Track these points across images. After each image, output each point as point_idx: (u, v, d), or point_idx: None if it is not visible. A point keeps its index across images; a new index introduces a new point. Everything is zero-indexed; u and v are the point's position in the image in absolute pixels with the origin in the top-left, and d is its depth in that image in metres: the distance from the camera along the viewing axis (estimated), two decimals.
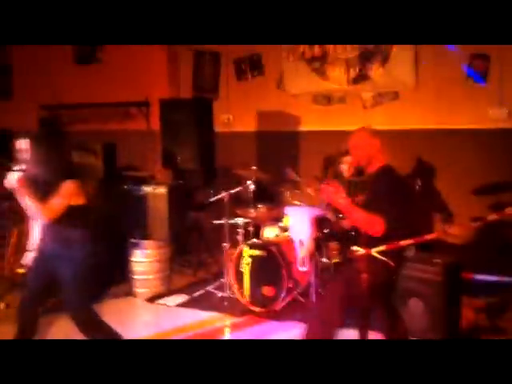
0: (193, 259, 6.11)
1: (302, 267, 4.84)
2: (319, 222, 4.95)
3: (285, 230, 5.11)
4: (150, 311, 5.14)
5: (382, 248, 3.29)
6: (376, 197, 3.31)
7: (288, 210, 5.10)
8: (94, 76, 6.97)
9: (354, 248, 3.29)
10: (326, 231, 4.97)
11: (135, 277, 5.40)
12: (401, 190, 3.40)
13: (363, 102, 6.26)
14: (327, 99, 6.47)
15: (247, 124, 6.82)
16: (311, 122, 6.49)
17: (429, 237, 3.55)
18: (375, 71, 6.16)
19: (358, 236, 3.41)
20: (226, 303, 4.99)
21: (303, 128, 6.56)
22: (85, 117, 7.28)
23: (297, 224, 5.00)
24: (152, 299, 5.28)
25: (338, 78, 6.38)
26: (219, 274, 5.52)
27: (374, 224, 3.16)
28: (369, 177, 3.44)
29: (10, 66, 7.77)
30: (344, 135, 5.54)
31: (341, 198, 3.28)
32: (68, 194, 3.36)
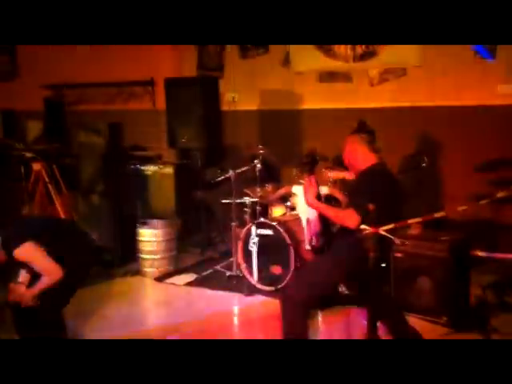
0: (200, 238, 6.13)
1: (309, 246, 4.85)
2: (326, 201, 4.94)
3: (292, 208, 5.11)
4: (159, 290, 5.19)
5: (390, 226, 3.31)
6: (353, 191, 3.52)
7: (295, 188, 5.09)
8: (98, 55, 6.91)
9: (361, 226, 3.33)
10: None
11: (143, 256, 5.44)
12: (380, 186, 3.42)
13: (370, 79, 6.19)
14: (333, 77, 6.40)
15: (252, 102, 6.76)
16: (316, 100, 6.43)
17: (437, 215, 3.56)
18: (382, 48, 6.09)
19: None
20: (234, 282, 5.02)
21: (308, 106, 6.51)
22: (90, 96, 7.24)
23: (304, 203, 4.99)
24: (160, 278, 5.33)
25: (344, 54, 6.29)
26: (227, 253, 5.56)
27: (345, 219, 3.28)
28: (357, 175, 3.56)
29: (14, 46, 7.71)
30: (350, 113, 5.53)
31: (310, 195, 3.48)
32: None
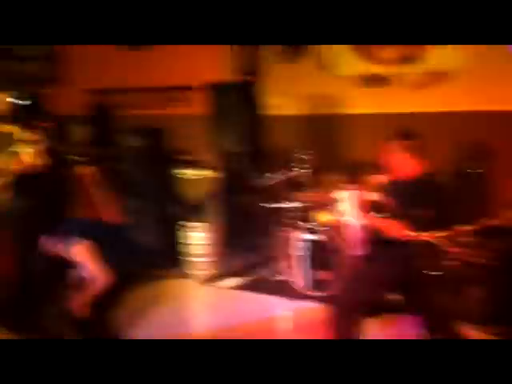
0: (246, 243, 6.19)
1: (358, 251, 4.87)
2: (375, 206, 4.95)
3: (341, 214, 5.12)
4: (206, 293, 5.26)
5: (442, 234, 3.34)
6: (403, 199, 3.47)
7: (341, 194, 5.11)
8: (141, 61, 7.02)
9: (412, 233, 3.35)
10: (381, 215, 4.97)
11: (190, 259, 5.52)
12: (430, 194, 3.43)
13: (411, 83, 6.18)
14: (374, 81, 6.41)
15: (293, 107, 6.79)
16: (357, 104, 6.44)
17: (490, 222, 3.56)
18: (424, 51, 6.07)
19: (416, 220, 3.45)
20: (280, 287, 5.06)
21: (349, 111, 6.51)
22: (135, 101, 7.36)
23: (351, 208, 5.02)
24: (207, 281, 5.40)
25: (385, 58, 6.30)
26: (273, 258, 5.60)
27: (393, 229, 3.35)
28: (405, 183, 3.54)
29: (57, 51, 7.86)
30: (391, 118, 5.51)
31: (358, 205, 3.69)
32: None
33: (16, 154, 4.48)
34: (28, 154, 4.42)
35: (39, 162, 4.46)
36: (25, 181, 4.48)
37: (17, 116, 4.63)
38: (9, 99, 4.58)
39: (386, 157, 3.59)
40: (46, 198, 4.87)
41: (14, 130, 4.63)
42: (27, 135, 4.61)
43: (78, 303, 3.55)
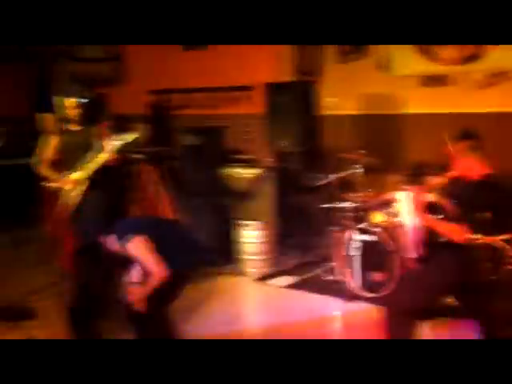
0: (300, 242, 6.20)
1: (413, 253, 4.78)
2: (432, 208, 4.84)
3: (395, 215, 5.05)
4: (260, 291, 5.30)
5: (505, 237, 3.23)
6: (465, 201, 3.36)
7: (399, 194, 5.03)
8: (201, 61, 7.15)
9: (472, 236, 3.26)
10: (439, 217, 4.86)
11: (244, 257, 5.58)
12: (494, 197, 3.31)
13: (476, 82, 6.00)
14: (437, 80, 6.26)
15: (351, 107, 6.73)
16: (419, 104, 6.31)
17: None
18: (485, 50, 5.88)
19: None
20: (334, 287, 5.03)
21: (410, 110, 6.39)
22: (192, 101, 7.50)
23: (408, 209, 4.93)
24: (261, 279, 5.44)
25: (449, 57, 6.14)
26: (327, 258, 5.58)
27: (453, 233, 3.27)
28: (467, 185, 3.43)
29: (122, 52, 8.12)
30: (454, 118, 5.37)
31: (417, 207, 3.59)
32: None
33: (92, 153, 4.70)
34: (103, 152, 4.61)
35: (110, 160, 4.66)
36: (96, 178, 4.68)
37: (83, 116, 4.80)
38: (76, 99, 4.77)
39: (446, 157, 3.51)
40: (113, 194, 5.06)
41: (85, 130, 4.84)
42: (98, 135, 4.83)
43: (136, 298, 3.61)
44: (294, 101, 6.17)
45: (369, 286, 4.77)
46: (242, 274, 5.59)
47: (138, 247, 3.51)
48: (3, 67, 8.78)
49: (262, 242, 5.54)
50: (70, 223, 4.78)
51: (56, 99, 4.81)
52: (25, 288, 5.15)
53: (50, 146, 4.78)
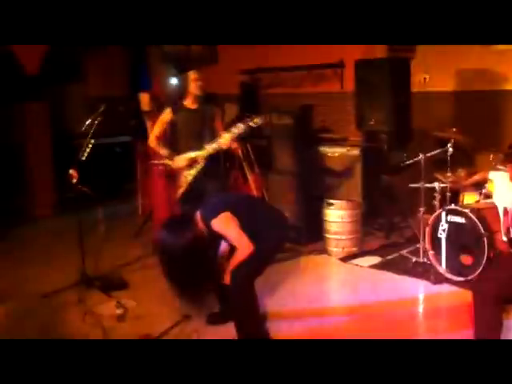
0: (385, 222, 6.10)
1: (505, 237, 4.56)
2: None
3: (487, 196, 4.84)
4: (344, 270, 5.28)
5: None
6: None
7: (492, 174, 4.81)
8: None
9: None
10: None
11: (329, 236, 5.58)
12: None
13: None
14: None
15: (445, 83, 6.49)
16: None
17: None
18: None
19: None
20: (420, 269, 4.92)
21: (509, 87, 6.05)
22: (281, 80, 7.53)
23: (501, 190, 4.70)
24: (345, 259, 5.42)
25: None
26: (412, 239, 5.47)
27: None
28: None
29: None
30: None
31: None
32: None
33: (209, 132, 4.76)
34: (226, 134, 4.63)
35: (229, 142, 4.68)
36: (213, 158, 4.77)
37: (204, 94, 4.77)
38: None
39: None
40: (223, 175, 5.16)
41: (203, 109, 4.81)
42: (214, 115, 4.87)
43: (223, 272, 3.71)
44: (385, 78, 6.01)
45: (456, 269, 4.62)
46: (326, 252, 5.59)
47: (223, 223, 3.59)
48: (101, 49, 9.24)
49: (347, 222, 5.50)
50: (178, 200, 4.84)
51: (182, 75, 4.81)
52: (119, 260, 5.47)
53: (164, 123, 4.77)
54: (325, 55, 7.06)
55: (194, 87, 4.70)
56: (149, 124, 6.67)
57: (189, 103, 4.76)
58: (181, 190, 4.76)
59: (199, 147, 4.69)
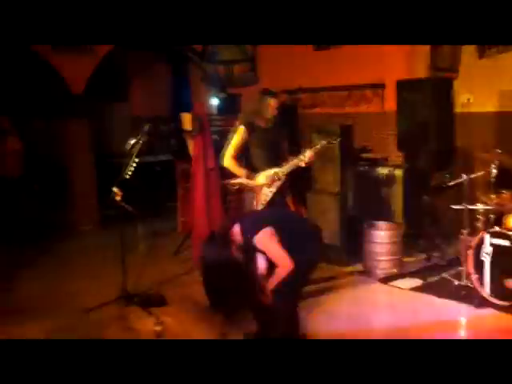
0: (426, 244, 5.99)
1: None
2: None
3: None
4: (383, 292, 5.20)
5: None
6: None
7: None
8: (330, 60, 7.17)
9: None
10: None
11: (369, 257, 5.51)
12: None
13: None
14: None
15: (489, 104, 6.39)
16: None
17: None
18: None
19: None
20: (463, 292, 4.79)
21: None
22: (322, 100, 7.54)
23: None
24: (385, 280, 5.34)
25: None
26: (454, 261, 5.35)
27: None
28: None
29: (255, 53, 8.36)
30: None
31: None
32: None
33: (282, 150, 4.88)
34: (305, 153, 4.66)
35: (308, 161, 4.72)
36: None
37: (279, 115, 4.89)
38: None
39: None
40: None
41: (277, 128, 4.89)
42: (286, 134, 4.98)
43: (263, 290, 3.69)
44: (427, 98, 5.96)
45: (500, 293, 4.49)
46: (366, 273, 5.52)
47: (264, 239, 3.59)
48: (145, 70, 9.47)
49: (388, 243, 5.44)
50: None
51: (262, 98, 4.81)
52: (158, 277, 5.52)
53: (240, 143, 4.76)
54: (365, 75, 7.05)
55: (271, 112, 4.80)
56: (189, 143, 6.77)
57: (261, 122, 4.82)
58: (259, 208, 4.73)
59: (276, 164, 4.73)
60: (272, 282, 3.65)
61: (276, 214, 4.18)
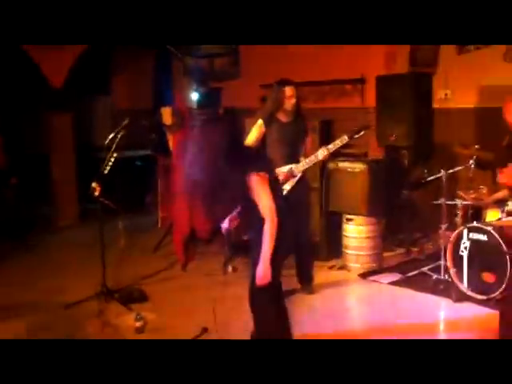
0: (405, 238, 6.05)
1: None
2: None
3: (510, 213, 4.78)
4: (363, 286, 5.24)
5: None
6: None
7: None
8: (312, 55, 7.16)
9: None
10: None
11: (348, 251, 5.56)
12: None
13: None
14: None
15: (467, 100, 6.44)
16: None
17: None
18: None
19: None
20: (441, 286, 4.86)
21: None
22: (302, 94, 7.53)
23: None
24: (364, 275, 5.38)
25: None
26: (433, 256, 5.41)
27: None
28: None
29: (238, 47, 8.32)
30: None
31: None
32: None
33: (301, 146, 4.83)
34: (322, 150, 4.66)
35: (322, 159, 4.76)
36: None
37: (298, 108, 4.76)
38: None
39: None
40: None
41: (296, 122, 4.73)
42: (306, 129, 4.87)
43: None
44: (406, 93, 6.00)
45: (478, 287, 4.56)
46: (345, 268, 5.57)
47: (259, 181, 3.25)
48: (127, 62, 9.39)
49: (367, 237, 5.48)
50: None
51: (277, 89, 4.69)
52: (138, 273, 5.50)
53: (258, 136, 4.68)
54: (346, 70, 7.07)
55: (288, 103, 4.68)
56: (170, 138, 6.73)
57: (282, 116, 4.73)
58: None
59: (294, 160, 4.70)
60: (266, 250, 3.39)
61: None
